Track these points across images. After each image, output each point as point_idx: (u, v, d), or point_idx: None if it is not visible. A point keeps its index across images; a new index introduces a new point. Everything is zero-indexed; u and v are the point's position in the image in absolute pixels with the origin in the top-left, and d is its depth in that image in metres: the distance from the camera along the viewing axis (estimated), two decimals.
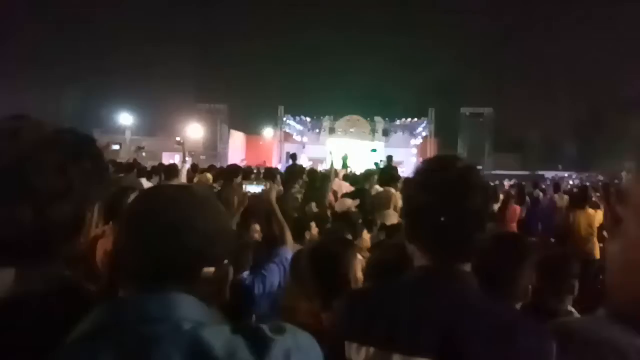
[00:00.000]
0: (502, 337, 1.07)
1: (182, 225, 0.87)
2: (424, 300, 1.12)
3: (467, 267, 1.17)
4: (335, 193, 6.50)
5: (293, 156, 10.52)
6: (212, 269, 0.90)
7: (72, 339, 0.80)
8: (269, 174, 7.77)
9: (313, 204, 5.23)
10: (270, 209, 3.20)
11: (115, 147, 31.62)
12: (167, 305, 0.82)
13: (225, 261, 0.94)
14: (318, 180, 6.71)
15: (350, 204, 4.95)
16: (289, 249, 3.03)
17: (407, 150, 29.76)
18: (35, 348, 0.80)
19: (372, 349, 1.11)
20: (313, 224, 3.72)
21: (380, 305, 1.15)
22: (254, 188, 3.44)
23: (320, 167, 25.66)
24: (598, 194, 7.45)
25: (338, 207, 4.92)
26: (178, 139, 12.81)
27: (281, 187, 6.55)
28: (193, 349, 0.77)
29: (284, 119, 31.47)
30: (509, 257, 1.73)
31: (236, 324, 0.84)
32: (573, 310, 2.25)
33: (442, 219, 1.14)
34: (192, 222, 0.88)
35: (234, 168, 7.33)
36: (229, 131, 32.26)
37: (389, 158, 10.24)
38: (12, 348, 0.83)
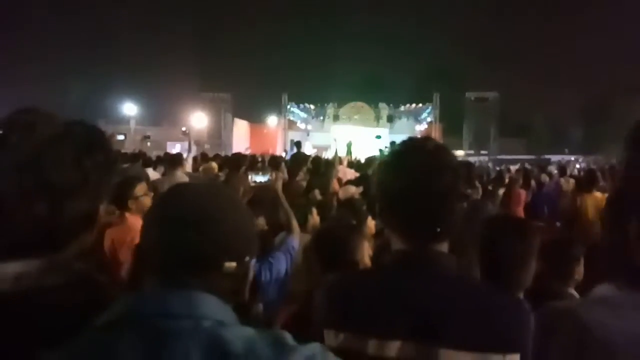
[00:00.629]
0: (478, 317, 1.06)
1: (207, 218, 0.87)
2: (399, 284, 1.13)
3: (444, 247, 1.17)
4: (339, 180, 6.51)
5: (298, 144, 10.51)
6: (233, 264, 0.89)
7: (93, 328, 0.80)
8: (274, 162, 7.78)
9: (317, 191, 5.24)
10: (277, 198, 3.21)
11: (120, 137, 31.76)
12: (189, 303, 0.82)
13: (247, 258, 0.92)
14: (322, 166, 6.70)
15: (354, 191, 4.95)
16: (296, 237, 3.04)
17: (412, 138, 29.69)
18: (53, 339, 0.80)
19: (348, 335, 1.12)
20: (314, 211, 3.75)
21: (357, 292, 1.15)
22: (260, 178, 3.47)
23: (325, 155, 25.63)
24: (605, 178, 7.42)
25: (342, 194, 4.92)
26: (184, 129, 12.82)
27: (286, 176, 6.56)
28: (213, 347, 0.77)
29: (288, 106, 31.42)
30: (515, 242, 1.71)
31: (259, 328, 0.83)
32: (575, 293, 2.25)
33: (414, 202, 1.14)
34: (217, 216, 0.88)
35: (239, 157, 7.35)
36: (233, 120, 32.25)
37: (393, 144, 10.25)
38: (30, 340, 0.83)
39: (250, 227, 0.96)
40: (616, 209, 1.05)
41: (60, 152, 0.91)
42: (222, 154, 14.41)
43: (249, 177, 3.53)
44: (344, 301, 1.15)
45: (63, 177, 0.91)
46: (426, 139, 1.26)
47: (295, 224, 3.10)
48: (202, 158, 9.87)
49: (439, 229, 1.15)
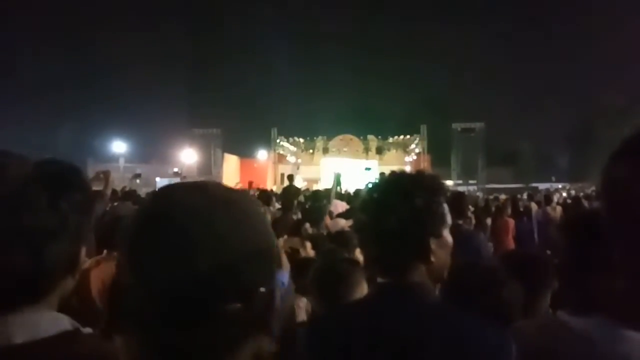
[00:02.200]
0: (454, 345, 1.08)
1: (194, 243, 0.61)
2: (378, 319, 1.15)
3: (421, 273, 1.21)
4: (331, 213, 6.53)
5: (290, 177, 10.60)
6: (237, 305, 0.63)
7: None
8: (264, 197, 7.81)
9: (307, 225, 5.24)
10: None
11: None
12: None
13: (262, 289, 0.66)
14: (318, 200, 6.76)
15: (344, 224, 4.96)
16: (285, 272, 2.99)
17: (401, 169, 29.85)
18: None
19: None
20: (308, 244, 3.73)
21: (337, 330, 1.18)
22: None
23: (315, 187, 25.72)
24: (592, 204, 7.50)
25: (332, 227, 4.93)
26: (176, 169, 12.80)
27: (277, 210, 6.55)
28: None
29: (278, 140, 31.62)
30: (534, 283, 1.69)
31: None
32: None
33: (380, 238, 1.21)
34: (208, 239, 0.61)
35: None
36: (222, 155, 32.29)
37: (383, 176, 10.33)
38: None
39: (262, 244, 0.70)
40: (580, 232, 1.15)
41: (35, 194, 0.85)
42: None
43: None
44: (325, 341, 1.18)
45: (40, 221, 0.85)
46: (404, 173, 1.32)
47: (284, 258, 3.04)
48: None
49: (409, 262, 1.20)
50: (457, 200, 4.20)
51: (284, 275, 2.73)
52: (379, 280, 1.23)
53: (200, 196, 0.66)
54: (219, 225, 0.63)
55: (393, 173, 1.33)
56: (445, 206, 1.27)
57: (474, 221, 7.21)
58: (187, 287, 0.60)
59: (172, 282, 0.60)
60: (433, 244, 1.23)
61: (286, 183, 10.36)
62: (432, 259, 1.22)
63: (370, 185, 1.33)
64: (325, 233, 4.71)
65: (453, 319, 1.15)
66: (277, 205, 8.27)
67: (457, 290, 1.45)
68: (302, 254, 3.59)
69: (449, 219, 1.28)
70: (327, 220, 6.17)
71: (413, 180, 1.28)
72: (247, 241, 0.66)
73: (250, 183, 15.70)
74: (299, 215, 6.57)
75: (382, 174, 10.83)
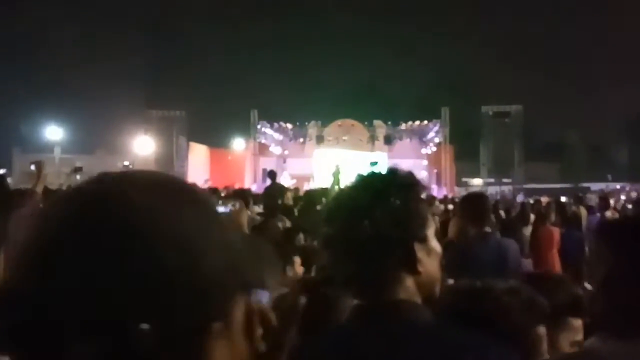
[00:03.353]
0: None
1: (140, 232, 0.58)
2: (357, 344, 1.24)
3: (406, 289, 1.29)
4: None
5: (272, 174, 10.63)
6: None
7: None
8: (241, 197, 7.85)
9: (301, 236, 5.30)
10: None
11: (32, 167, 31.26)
12: None
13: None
14: (311, 203, 6.82)
15: None
16: (265, 290, 3.05)
17: (417, 162, 29.97)
18: None
19: None
20: (297, 260, 3.83)
21: (317, 357, 1.29)
22: (220, 209, 3.52)
23: (307, 186, 25.75)
24: None
25: None
26: (126, 163, 12.80)
27: (255, 212, 6.58)
28: None
29: (259, 126, 31.59)
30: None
31: None
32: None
33: (344, 252, 1.32)
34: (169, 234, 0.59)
35: None
36: (188, 144, 32.29)
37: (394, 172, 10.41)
38: None
39: (238, 245, 0.67)
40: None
41: None
42: None
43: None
44: None
45: None
46: (373, 173, 1.44)
47: (261, 270, 3.08)
48: None
49: (392, 274, 1.29)
50: (472, 203, 4.31)
51: (263, 293, 2.80)
52: (356, 302, 1.32)
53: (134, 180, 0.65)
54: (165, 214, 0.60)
55: (359, 175, 1.44)
56: (425, 207, 1.39)
57: (498, 227, 7.24)
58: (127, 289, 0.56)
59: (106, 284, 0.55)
60: (418, 250, 1.30)
61: (270, 181, 10.37)
62: (420, 268, 1.29)
63: (337, 195, 1.46)
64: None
65: (434, 335, 1.22)
66: (257, 209, 8.31)
67: (463, 319, 1.48)
68: (289, 272, 3.69)
69: (432, 221, 1.38)
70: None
71: (384, 179, 1.38)
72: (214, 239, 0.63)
73: (232, 183, 15.61)
74: (286, 223, 6.61)
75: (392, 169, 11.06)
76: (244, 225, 3.33)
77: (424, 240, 1.32)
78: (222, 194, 9.57)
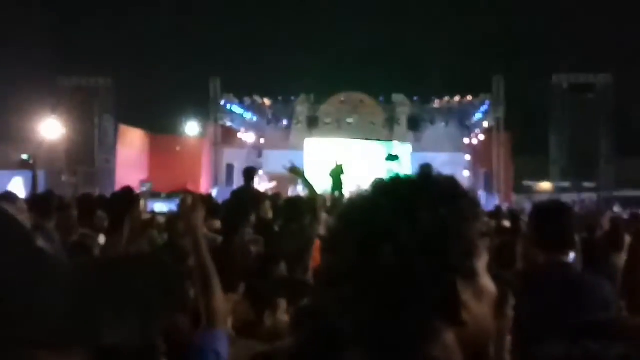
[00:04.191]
0: None
1: None
2: None
3: (444, 346, 1.29)
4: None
5: (248, 173, 10.58)
6: None
7: None
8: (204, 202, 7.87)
9: (283, 266, 5.31)
10: (193, 246, 3.30)
11: None
12: None
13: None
14: (298, 215, 6.88)
15: None
16: (221, 334, 3.12)
17: (456, 157, 30.07)
18: None
19: None
20: (282, 304, 3.91)
21: None
22: (162, 206, 3.60)
23: (293, 192, 25.64)
24: None
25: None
26: (25, 156, 12.98)
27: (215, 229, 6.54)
28: None
29: (222, 102, 31.57)
30: None
31: None
32: None
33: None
34: None
35: (127, 198, 7.29)
36: (116, 128, 32.23)
37: (427, 168, 10.39)
38: None
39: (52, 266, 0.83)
40: None
41: None
42: (97, 192, 14.28)
43: (143, 205, 3.65)
44: None
45: None
46: (398, 177, 1.45)
47: (220, 309, 3.18)
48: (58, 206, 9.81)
49: (424, 325, 1.29)
50: (546, 218, 4.23)
51: (218, 339, 2.82)
52: None
53: None
54: None
55: (377, 179, 1.46)
56: (474, 227, 1.36)
57: (580, 257, 7.25)
58: None
59: None
60: (462, 289, 1.30)
61: (239, 182, 10.38)
62: (464, 316, 1.29)
63: (344, 203, 1.50)
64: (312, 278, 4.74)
65: None
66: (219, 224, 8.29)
67: None
68: (267, 323, 3.79)
69: (484, 249, 1.36)
70: (317, 255, 6.18)
71: (413, 185, 1.39)
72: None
73: (183, 184, 15.96)
74: (261, 245, 6.67)
75: (425, 165, 10.96)
76: (199, 228, 3.31)
77: (471, 275, 1.31)
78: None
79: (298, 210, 7.16)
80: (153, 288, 0.93)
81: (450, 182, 1.40)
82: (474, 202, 1.39)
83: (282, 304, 3.94)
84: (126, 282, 0.89)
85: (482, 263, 1.34)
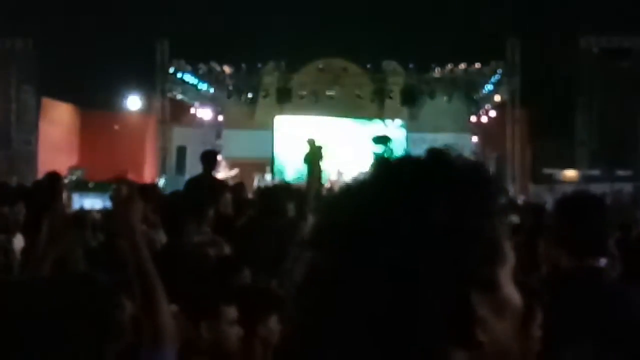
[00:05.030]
0: None
1: None
2: None
3: None
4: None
5: (207, 157, 10.58)
6: None
7: None
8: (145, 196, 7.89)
9: (247, 272, 5.36)
10: (131, 250, 3.30)
11: None
12: None
13: None
14: (271, 212, 6.93)
15: None
16: (171, 352, 3.17)
17: (461, 138, 30.18)
18: None
19: None
20: (228, 313, 4.07)
21: None
22: (92, 202, 3.63)
23: (257, 181, 25.70)
24: None
25: None
26: None
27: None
28: None
29: (171, 70, 31.55)
30: None
31: None
32: None
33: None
34: None
35: (49, 187, 7.31)
36: (39, 102, 32.10)
37: (435, 153, 10.49)
38: None
39: None
40: None
41: None
42: (14, 181, 14.32)
43: (66, 198, 3.70)
44: None
45: None
46: (407, 158, 1.43)
47: (167, 324, 3.21)
48: None
49: (433, 346, 1.26)
50: (575, 213, 4.24)
51: (166, 357, 2.83)
52: None
53: None
54: None
55: (383, 160, 1.43)
56: (499, 226, 1.34)
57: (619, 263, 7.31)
58: None
59: None
60: (479, 303, 1.28)
61: (192, 169, 10.40)
62: (481, 337, 1.27)
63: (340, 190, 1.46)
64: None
65: None
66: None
67: None
68: (205, 335, 4.00)
69: (509, 250, 1.35)
70: None
71: (424, 170, 1.36)
72: None
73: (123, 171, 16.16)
74: (223, 248, 6.70)
75: (434, 150, 11.24)
76: (137, 226, 3.32)
77: (490, 286, 1.29)
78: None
79: (277, 203, 7.18)
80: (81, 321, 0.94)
81: (471, 166, 1.38)
82: (500, 193, 1.37)
83: (228, 312, 3.99)
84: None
85: (506, 270, 1.32)
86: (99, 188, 21.96)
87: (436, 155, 1.38)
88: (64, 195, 4.67)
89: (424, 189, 1.29)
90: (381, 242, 1.25)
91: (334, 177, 24.91)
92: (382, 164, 1.41)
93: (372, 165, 1.39)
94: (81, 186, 24.02)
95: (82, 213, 8.63)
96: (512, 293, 1.33)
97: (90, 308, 2.90)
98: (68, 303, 1.67)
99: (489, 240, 1.30)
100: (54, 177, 7.29)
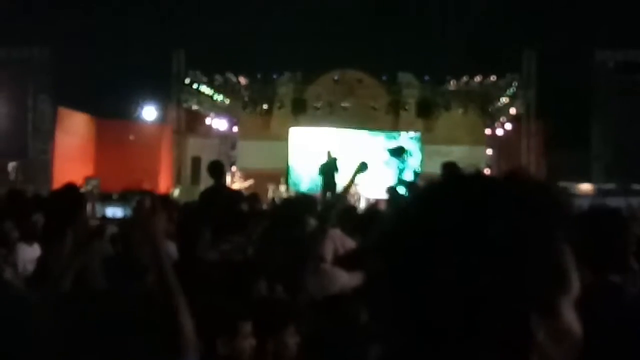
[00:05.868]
0: None
1: None
2: None
3: None
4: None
5: (216, 168, 10.57)
6: None
7: None
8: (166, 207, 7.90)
9: (264, 283, 5.36)
10: (153, 260, 3.34)
11: None
12: None
13: None
14: (287, 225, 6.93)
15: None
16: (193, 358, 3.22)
17: (475, 151, 30.11)
18: None
19: None
20: (244, 328, 4.10)
21: None
22: (114, 210, 3.65)
23: (272, 192, 25.68)
24: None
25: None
26: None
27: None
28: None
29: (187, 80, 31.55)
30: None
31: None
32: None
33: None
34: None
35: (71, 199, 7.30)
36: (55, 111, 32.12)
37: (447, 169, 10.32)
38: None
39: None
40: None
41: None
42: (31, 190, 14.32)
43: (90, 209, 3.73)
44: None
45: None
46: (476, 173, 1.43)
47: (190, 333, 3.23)
48: None
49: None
50: (594, 227, 4.20)
51: None
52: None
53: None
54: None
55: (449, 169, 1.46)
56: (566, 252, 1.34)
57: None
58: None
59: None
60: (538, 327, 1.26)
61: (208, 180, 10.39)
62: None
63: (392, 204, 1.51)
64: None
65: None
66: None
67: None
68: (221, 351, 4.03)
69: (575, 280, 1.33)
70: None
71: (495, 187, 1.37)
72: None
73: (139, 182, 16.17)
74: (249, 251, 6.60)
75: (449, 164, 10.90)
76: (160, 237, 3.32)
77: (550, 310, 1.28)
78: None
79: (281, 217, 7.17)
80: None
81: (542, 188, 1.37)
82: (569, 217, 1.37)
83: (245, 327, 4.00)
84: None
85: (569, 299, 1.31)
86: (121, 199, 22.10)
87: (510, 176, 1.38)
88: (88, 205, 4.73)
89: (491, 206, 1.29)
90: (442, 252, 1.25)
91: (350, 190, 24.82)
92: (454, 178, 1.40)
93: (443, 178, 1.43)
94: (104, 198, 24.01)
95: (100, 225, 8.69)
96: (573, 322, 1.31)
97: (165, 324, 2.95)
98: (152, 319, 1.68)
99: (554, 265, 1.30)
100: (72, 188, 7.31)
